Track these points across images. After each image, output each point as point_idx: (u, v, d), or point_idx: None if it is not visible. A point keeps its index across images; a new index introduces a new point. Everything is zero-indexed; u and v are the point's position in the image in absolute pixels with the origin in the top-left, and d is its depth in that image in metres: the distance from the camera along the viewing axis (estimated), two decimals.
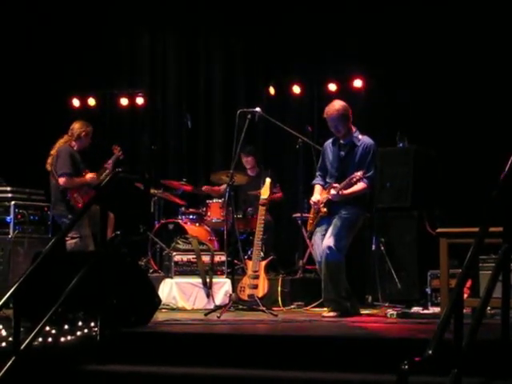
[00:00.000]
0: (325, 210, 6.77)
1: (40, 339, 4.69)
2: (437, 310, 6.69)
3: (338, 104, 6.84)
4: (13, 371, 4.35)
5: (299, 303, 7.77)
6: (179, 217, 8.99)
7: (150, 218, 9.22)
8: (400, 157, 8.11)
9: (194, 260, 7.97)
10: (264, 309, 6.95)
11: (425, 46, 9.02)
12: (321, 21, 9.77)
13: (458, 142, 8.62)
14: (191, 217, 8.96)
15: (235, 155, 7.50)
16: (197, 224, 8.89)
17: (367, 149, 6.74)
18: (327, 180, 6.91)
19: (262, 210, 7.70)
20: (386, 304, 7.56)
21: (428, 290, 7.41)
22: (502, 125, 8.28)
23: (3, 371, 4.31)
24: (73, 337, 4.89)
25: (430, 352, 3.34)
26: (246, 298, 7.42)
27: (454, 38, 8.85)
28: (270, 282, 7.63)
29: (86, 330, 4.99)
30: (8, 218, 8.35)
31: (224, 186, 8.18)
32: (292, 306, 7.74)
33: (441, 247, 5.98)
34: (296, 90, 10.10)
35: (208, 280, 7.85)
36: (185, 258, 7.99)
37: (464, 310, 3.79)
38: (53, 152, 8.11)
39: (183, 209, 9.11)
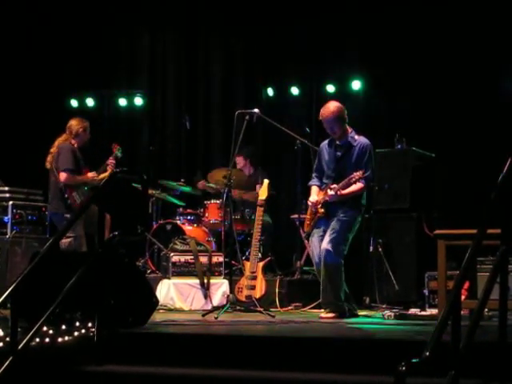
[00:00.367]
0: (322, 210, 6.77)
1: (37, 339, 4.68)
2: (434, 311, 6.69)
3: (332, 106, 6.85)
4: (10, 371, 4.34)
5: (297, 304, 7.77)
6: (177, 217, 8.99)
7: (147, 219, 9.21)
8: (398, 158, 8.11)
9: (192, 261, 7.97)
10: (261, 310, 6.95)
11: (424, 47, 9.03)
12: (320, 22, 9.77)
13: (456, 143, 8.63)
14: (189, 217, 8.96)
15: (233, 156, 7.51)
16: (194, 225, 8.89)
17: (363, 149, 6.74)
18: (324, 181, 6.92)
19: (259, 210, 7.70)
20: (384, 305, 7.56)
21: (425, 292, 7.41)
22: (500, 127, 8.28)
23: (0, 371, 4.30)
24: (70, 337, 4.88)
25: (428, 353, 3.34)
26: (243, 299, 7.42)
27: (453, 41, 8.86)
28: (267, 282, 7.63)
29: (83, 331, 4.99)
30: (6, 217, 8.33)
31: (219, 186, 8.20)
32: (289, 307, 7.74)
33: (438, 249, 5.98)
34: (294, 91, 10.11)
35: (206, 281, 7.85)
36: (182, 258, 7.99)
37: (461, 312, 3.79)
38: (52, 150, 8.09)
39: (181, 209, 9.11)
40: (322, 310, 6.81)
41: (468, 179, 8.35)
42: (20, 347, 4.46)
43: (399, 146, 8.18)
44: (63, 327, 4.98)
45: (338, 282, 6.65)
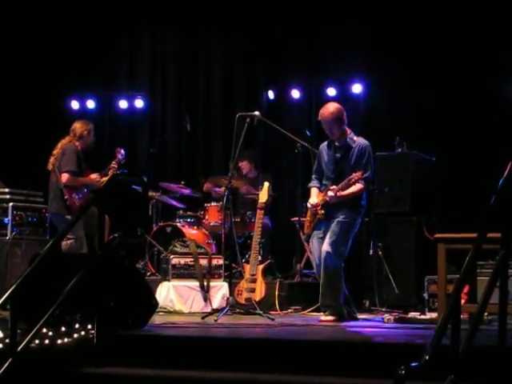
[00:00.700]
0: (322, 212, 6.77)
1: (37, 341, 4.68)
2: (434, 315, 6.68)
3: (332, 106, 6.85)
4: (9, 373, 4.34)
5: (296, 307, 7.77)
6: (177, 220, 8.99)
7: (147, 221, 9.22)
8: (398, 162, 8.11)
9: (192, 263, 7.97)
10: (261, 312, 6.94)
11: (425, 51, 9.03)
12: (321, 23, 9.78)
13: (456, 147, 8.63)
14: (189, 220, 8.96)
15: (233, 159, 7.51)
16: (195, 227, 8.89)
17: (362, 150, 6.74)
18: (323, 182, 6.91)
19: (259, 213, 7.70)
20: (384, 309, 7.57)
21: (425, 296, 7.40)
22: (500, 131, 8.28)
23: (0, 373, 4.30)
24: (70, 339, 4.88)
25: (427, 357, 3.34)
26: (243, 302, 7.41)
27: (453, 44, 8.86)
28: (267, 285, 7.63)
29: (83, 333, 4.98)
30: (6, 219, 8.33)
31: (223, 188, 8.19)
32: (289, 310, 7.74)
33: (438, 252, 5.97)
34: (295, 94, 10.11)
35: (205, 283, 7.84)
36: (182, 261, 7.98)
37: (461, 316, 3.79)
38: (55, 152, 8.08)
39: (181, 212, 9.11)
40: (322, 313, 6.80)
41: (468, 183, 8.35)
42: (19, 349, 4.46)
43: (399, 150, 8.18)
44: (63, 329, 4.98)
45: (338, 285, 6.65)
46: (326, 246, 6.61)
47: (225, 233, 7.92)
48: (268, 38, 10.18)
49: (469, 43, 8.74)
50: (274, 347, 4.86)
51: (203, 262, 8.00)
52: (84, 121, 8.35)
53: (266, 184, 8.00)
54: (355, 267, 7.89)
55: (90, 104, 10.98)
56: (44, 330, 4.79)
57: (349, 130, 6.86)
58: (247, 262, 7.74)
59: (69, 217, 7.84)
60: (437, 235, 6.12)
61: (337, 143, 6.86)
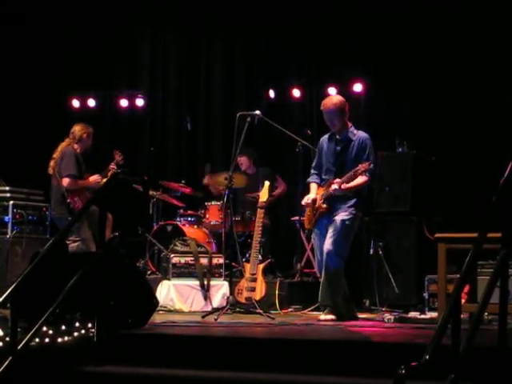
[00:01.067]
0: (325, 206, 6.75)
1: (37, 339, 4.68)
2: (434, 315, 6.69)
3: (335, 98, 6.89)
4: (9, 371, 4.34)
5: (296, 307, 7.77)
6: (177, 219, 8.99)
7: (148, 220, 9.22)
8: (399, 161, 8.11)
9: (192, 262, 7.97)
10: (261, 312, 6.95)
11: (425, 50, 9.04)
12: (321, 24, 9.78)
13: (457, 147, 8.63)
14: (189, 219, 8.97)
15: (234, 158, 7.51)
16: (195, 226, 8.89)
17: (363, 143, 6.73)
18: (323, 176, 6.90)
19: (260, 212, 7.70)
20: (384, 308, 7.56)
21: (425, 295, 7.40)
22: (501, 130, 8.28)
23: (0, 371, 4.30)
24: (70, 338, 4.88)
25: (427, 357, 3.34)
26: (243, 301, 7.41)
27: (453, 43, 8.86)
28: (267, 285, 7.62)
29: (83, 331, 4.99)
30: (6, 217, 8.34)
31: (222, 188, 8.19)
32: (289, 310, 7.74)
33: (439, 252, 5.98)
34: (296, 93, 10.11)
35: (206, 282, 7.84)
36: (183, 260, 7.98)
37: (461, 316, 3.79)
38: (55, 155, 8.11)
39: (182, 211, 9.11)
40: (322, 313, 6.80)
41: (468, 183, 8.35)
42: (20, 347, 4.46)
43: (400, 149, 8.18)
44: (63, 328, 4.98)
45: (338, 285, 6.65)
46: (328, 245, 6.61)
47: (225, 232, 7.92)
48: (268, 37, 10.18)
49: (469, 42, 8.74)
50: (274, 346, 4.86)
51: (203, 260, 8.00)
52: (84, 124, 8.36)
53: (267, 183, 8.00)
54: (355, 266, 7.89)
55: (91, 103, 10.98)
56: (44, 329, 4.79)
57: (350, 124, 6.86)
58: (247, 261, 7.74)
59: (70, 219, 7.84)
60: (437, 235, 6.13)
61: (338, 136, 6.86)
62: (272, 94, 10.21)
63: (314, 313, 7.29)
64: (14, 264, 8.17)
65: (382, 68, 9.33)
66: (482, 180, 6.80)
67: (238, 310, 7.17)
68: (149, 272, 8.67)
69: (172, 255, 7.99)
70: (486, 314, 5.60)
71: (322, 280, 6.73)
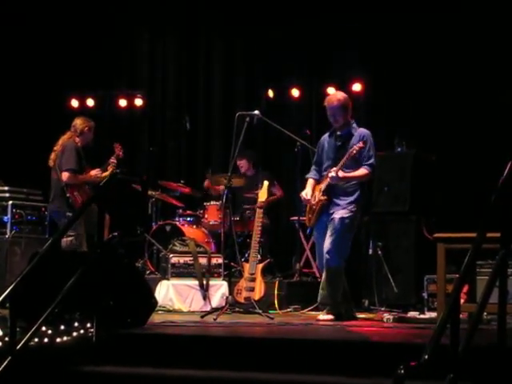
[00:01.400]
0: (325, 197, 6.73)
1: (36, 339, 4.68)
2: (433, 314, 6.69)
3: (339, 94, 6.92)
4: (8, 371, 4.34)
5: (296, 306, 7.77)
6: (176, 219, 8.99)
7: (147, 220, 9.22)
8: (398, 161, 8.12)
9: (191, 262, 7.97)
10: (260, 312, 6.94)
11: (425, 49, 9.03)
12: (321, 23, 9.78)
13: (456, 146, 8.63)
14: (188, 219, 8.97)
15: (233, 158, 7.51)
16: (194, 226, 8.89)
17: (364, 138, 6.72)
18: (323, 174, 6.89)
19: (259, 212, 7.70)
20: (383, 308, 7.57)
21: (425, 295, 7.40)
22: (500, 130, 8.28)
23: None
24: (69, 337, 4.88)
25: (426, 357, 3.33)
26: (242, 301, 7.41)
27: (454, 42, 8.86)
28: (266, 284, 7.63)
29: (82, 331, 4.98)
30: (5, 217, 8.35)
31: (223, 187, 8.20)
32: (288, 310, 7.74)
33: (438, 252, 5.98)
34: (295, 93, 10.11)
35: (205, 282, 7.84)
36: (182, 259, 7.98)
37: (460, 316, 3.79)
38: (56, 148, 8.07)
39: (180, 211, 9.11)
40: (321, 312, 6.80)
41: (468, 182, 8.35)
42: (18, 347, 4.45)
43: (399, 149, 8.18)
44: (62, 327, 4.98)
45: (338, 284, 6.65)
46: (327, 244, 6.61)
47: (224, 232, 7.92)
48: (268, 37, 10.18)
49: (469, 42, 8.74)
50: (273, 346, 4.85)
51: (202, 260, 8.00)
52: (85, 117, 8.35)
53: (266, 183, 8.00)
54: (354, 266, 7.89)
55: (90, 102, 10.97)
56: (43, 329, 4.79)
57: (352, 121, 6.87)
58: (246, 260, 7.74)
59: (70, 214, 7.83)
60: (436, 235, 6.13)
61: (339, 132, 6.86)
62: (271, 93, 10.20)
63: (313, 313, 7.29)
64: (13, 264, 8.17)
65: (382, 68, 9.33)
66: (481, 180, 6.79)
67: (237, 309, 7.18)
68: (148, 272, 8.67)
69: (171, 255, 7.99)
70: (485, 313, 5.59)
71: (322, 280, 6.73)
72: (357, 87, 9.63)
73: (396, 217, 7.97)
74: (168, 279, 7.90)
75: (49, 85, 10.52)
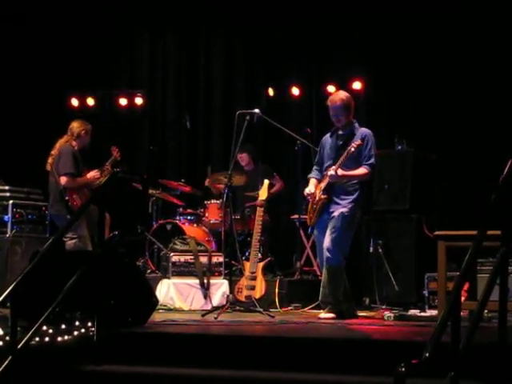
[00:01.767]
0: (325, 196, 6.73)
1: (37, 339, 4.68)
2: (434, 312, 6.68)
3: (342, 94, 6.92)
4: (9, 370, 4.34)
5: (296, 305, 7.77)
6: (177, 217, 8.99)
7: (147, 219, 9.22)
8: (398, 159, 8.11)
9: (192, 261, 7.97)
10: (261, 310, 6.95)
11: (425, 48, 9.03)
12: (321, 22, 9.78)
13: (456, 144, 8.63)
14: (189, 217, 8.97)
15: (233, 157, 7.51)
16: (194, 225, 8.89)
17: (366, 137, 6.73)
18: (324, 173, 6.89)
19: (259, 211, 7.70)
20: (384, 306, 7.57)
21: (425, 293, 7.40)
22: (501, 128, 8.28)
23: (0, 370, 4.30)
24: (70, 337, 4.88)
25: (427, 355, 3.34)
26: (243, 299, 7.41)
27: (454, 41, 8.86)
28: (267, 283, 7.63)
29: (83, 330, 4.99)
30: (6, 217, 8.34)
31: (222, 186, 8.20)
32: (289, 308, 7.74)
33: (439, 250, 5.98)
34: (295, 91, 10.11)
35: (205, 281, 7.85)
36: (182, 258, 7.99)
37: (461, 313, 3.79)
38: (53, 152, 8.07)
39: (181, 209, 9.11)
40: (322, 311, 6.80)
41: (468, 180, 8.35)
42: (19, 346, 4.45)
43: (399, 147, 8.18)
44: (63, 327, 4.98)
45: (339, 282, 6.65)
46: (327, 242, 6.61)
47: (225, 230, 7.93)
48: (268, 37, 10.17)
49: (469, 41, 8.74)
50: (273, 345, 4.85)
51: (203, 259, 8.00)
52: (82, 120, 8.32)
53: (266, 181, 8.01)
54: (355, 265, 7.89)
55: (90, 102, 10.98)
56: (44, 328, 4.80)
57: (354, 121, 6.88)
58: (247, 259, 7.74)
59: (69, 217, 7.82)
60: (437, 233, 6.13)
61: (340, 132, 6.86)
62: (271, 92, 10.21)
63: (314, 311, 7.29)
64: (13, 263, 8.17)
65: (382, 66, 9.33)
66: (482, 178, 6.79)
67: (237, 308, 7.18)
68: (148, 271, 8.68)
69: (172, 254, 7.99)
70: (486, 311, 5.60)
71: (322, 278, 6.73)
72: (357, 85, 9.62)
73: (396, 215, 7.97)
74: (169, 278, 7.91)
75: (49, 84, 10.52)
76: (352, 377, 4.30)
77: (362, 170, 6.68)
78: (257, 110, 7.65)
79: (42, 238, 8.43)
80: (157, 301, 6.05)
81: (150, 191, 9.10)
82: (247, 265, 7.61)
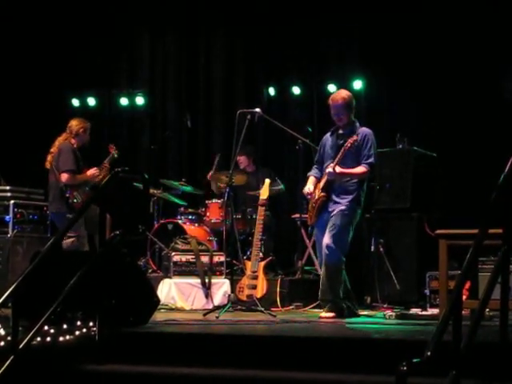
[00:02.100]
0: (323, 194, 6.73)
1: (38, 338, 4.68)
2: (435, 311, 6.69)
3: (344, 92, 6.92)
4: (11, 370, 4.34)
5: (298, 304, 7.77)
6: (178, 217, 8.99)
7: (149, 218, 9.22)
8: (400, 158, 8.11)
9: (193, 260, 7.97)
10: (262, 309, 6.95)
11: (425, 47, 9.02)
12: (321, 21, 9.77)
13: (457, 143, 8.63)
14: (190, 217, 8.96)
15: (234, 156, 7.51)
16: (196, 224, 8.89)
17: (366, 137, 6.74)
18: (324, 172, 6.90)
19: (261, 210, 7.70)
20: (385, 305, 7.57)
21: (427, 292, 7.40)
22: (501, 126, 8.28)
23: (1, 370, 4.30)
24: (71, 336, 4.88)
25: (429, 353, 3.33)
26: (244, 299, 7.41)
27: (454, 40, 8.85)
28: (268, 282, 7.63)
29: (84, 330, 4.99)
30: (7, 217, 8.34)
31: (223, 185, 8.20)
32: (291, 307, 7.74)
33: (440, 248, 5.98)
34: (296, 90, 10.11)
35: (207, 280, 7.85)
36: (184, 258, 7.99)
37: (463, 312, 3.79)
38: (53, 150, 8.08)
39: (182, 209, 9.10)
40: (322, 310, 6.80)
41: (469, 179, 8.34)
42: (21, 346, 4.45)
43: (400, 146, 8.18)
44: (64, 326, 4.98)
45: (338, 280, 6.64)
46: (326, 240, 6.61)
47: (226, 229, 7.92)
48: (269, 36, 10.17)
49: (470, 38, 8.73)
50: (275, 344, 4.86)
51: (204, 258, 8.00)
52: (81, 119, 8.34)
53: (267, 181, 8.01)
54: (356, 263, 7.89)
55: (91, 101, 10.98)
56: (45, 328, 4.80)
57: (355, 120, 6.88)
58: (248, 258, 7.74)
59: (70, 216, 7.83)
60: (438, 231, 6.13)
61: (341, 131, 6.87)
62: (272, 91, 10.21)
63: (316, 310, 7.30)
64: (14, 263, 8.17)
65: (382, 65, 9.32)
66: (483, 176, 6.78)
67: (239, 307, 7.18)
68: (150, 270, 8.67)
69: (173, 253, 7.99)
70: (488, 310, 5.60)
71: (321, 276, 6.73)
72: (357, 84, 9.62)
73: (398, 214, 7.97)
74: (170, 277, 7.91)
75: (50, 84, 10.52)
76: (354, 376, 4.30)
77: (360, 169, 6.68)
78: (258, 109, 7.64)
79: (43, 237, 8.43)
80: (158, 300, 6.06)
81: (151, 191, 9.10)
82: (248, 264, 7.61)
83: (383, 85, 9.43)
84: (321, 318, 6.57)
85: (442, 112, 8.90)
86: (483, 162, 8.04)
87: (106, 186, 5.37)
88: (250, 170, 9.35)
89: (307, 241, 8.73)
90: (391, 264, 7.78)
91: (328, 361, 4.52)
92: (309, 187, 6.89)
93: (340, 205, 6.68)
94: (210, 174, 9.08)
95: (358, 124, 6.88)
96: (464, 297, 5.50)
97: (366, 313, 7.14)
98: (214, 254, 8.10)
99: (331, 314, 6.58)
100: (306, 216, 7.26)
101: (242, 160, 9.31)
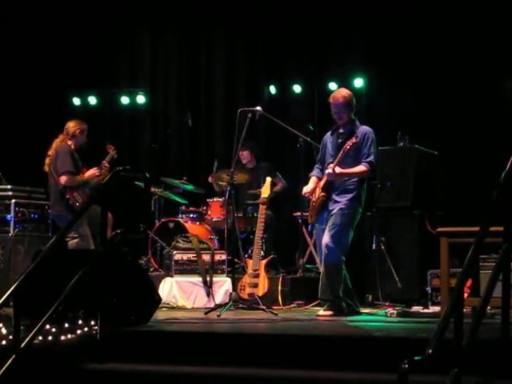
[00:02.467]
0: (323, 194, 6.74)
1: (40, 337, 4.68)
2: (437, 309, 6.69)
3: (344, 91, 6.92)
4: (13, 370, 4.34)
5: (299, 302, 7.77)
6: (180, 215, 8.99)
7: (150, 217, 9.22)
8: (401, 156, 8.10)
9: (195, 259, 7.98)
10: (264, 308, 6.95)
11: (427, 46, 9.03)
12: (322, 20, 9.77)
13: (459, 141, 8.63)
14: (192, 215, 8.96)
15: (236, 154, 7.51)
16: (197, 223, 8.89)
17: (366, 135, 6.74)
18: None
19: (262, 208, 7.70)
20: (387, 303, 7.57)
21: (428, 290, 7.40)
22: (503, 125, 8.28)
23: (3, 369, 4.30)
24: (73, 335, 4.89)
25: (430, 351, 3.33)
26: (246, 297, 7.42)
27: (455, 39, 8.85)
28: (270, 280, 7.64)
29: (86, 329, 4.99)
30: (8, 216, 8.34)
31: (225, 184, 8.20)
32: (292, 305, 7.74)
33: (441, 246, 5.98)
34: (297, 88, 10.11)
35: (208, 279, 7.85)
36: (185, 256, 7.99)
37: (464, 310, 3.79)
38: (50, 152, 8.07)
39: (183, 207, 9.11)
40: (321, 308, 6.80)
41: (471, 177, 8.35)
42: (23, 345, 4.46)
43: (402, 144, 8.17)
44: (66, 325, 4.98)
45: (338, 279, 6.64)
46: (326, 239, 6.61)
47: (227, 228, 7.92)
48: (269, 35, 10.17)
49: (471, 37, 8.73)
50: (276, 342, 4.86)
51: (206, 257, 8.00)
52: (78, 120, 8.33)
53: (268, 179, 8.01)
54: (358, 262, 7.89)
55: (92, 100, 10.99)
56: (47, 327, 4.80)
57: (355, 119, 6.88)
58: (250, 257, 7.74)
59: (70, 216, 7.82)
60: (439, 229, 6.13)
61: (341, 129, 6.87)
62: (273, 89, 10.21)
63: (317, 308, 7.29)
64: (16, 262, 8.17)
65: (383, 63, 9.32)
66: (484, 174, 6.79)
67: (240, 306, 7.18)
68: (151, 269, 8.68)
69: (174, 252, 8.00)
70: (489, 307, 5.60)
71: (321, 275, 6.73)
72: (358, 82, 9.62)
73: (399, 212, 7.97)
74: (171, 276, 7.91)
75: (51, 83, 10.52)
76: (355, 374, 4.30)
77: (360, 168, 6.68)
78: (259, 108, 7.64)
79: (45, 236, 8.43)
80: (160, 299, 6.05)
81: (153, 189, 9.10)
82: (250, 262, 7.62)
83: (384, 83, 9.43)
84: (318, 315, 6.57)
85: (443, 110, 8.90)
86: (484, 160, 8.05)
87: (107, 185, 5.37)
88: (251, 166, 9.34)
89: (308, 239, 8.74)
90: (393, 262, 7.78)
91: (329, 359, 4.52)
92: (307, 187, 6.89)
93: (340, 204, 6.68)
94: (209, 178, 9.10)
95: (358, 123, 6.88)
96: (465, 294, 5.50)
97: (367, 311, 7.15)
98: (216, 252, 8.11)
99: (329, 313, 6.58)
100: (307, 214, 7.25)
101: (246, 155, 9.31)
